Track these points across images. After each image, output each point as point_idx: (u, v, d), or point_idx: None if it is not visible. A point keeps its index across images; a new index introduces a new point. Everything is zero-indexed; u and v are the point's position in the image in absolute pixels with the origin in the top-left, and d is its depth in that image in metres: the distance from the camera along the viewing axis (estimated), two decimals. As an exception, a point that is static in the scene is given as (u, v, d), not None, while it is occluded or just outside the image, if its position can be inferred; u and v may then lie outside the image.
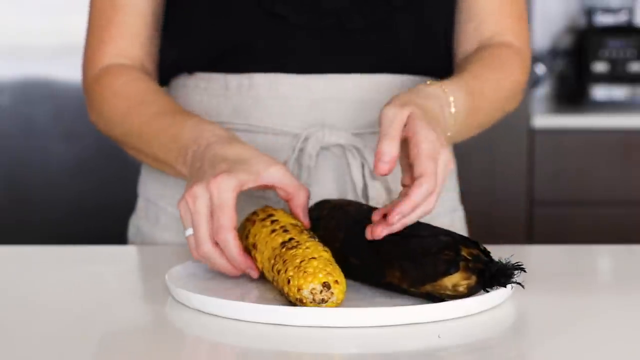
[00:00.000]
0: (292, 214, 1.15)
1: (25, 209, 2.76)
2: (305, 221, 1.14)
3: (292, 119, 1.31)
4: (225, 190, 1.09)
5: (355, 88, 1.31)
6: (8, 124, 2.73)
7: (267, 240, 1.08)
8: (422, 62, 1.35)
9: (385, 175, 1.06)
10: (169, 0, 1.36)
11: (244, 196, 1.24)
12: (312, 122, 1.31)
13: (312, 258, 1.01)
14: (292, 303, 1.01)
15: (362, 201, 1.31)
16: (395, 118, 1.08)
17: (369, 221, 1.08)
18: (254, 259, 1.11)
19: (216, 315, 1.02)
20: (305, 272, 1.00)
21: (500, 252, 1.03)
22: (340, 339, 0.95)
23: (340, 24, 1.30)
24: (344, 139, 1.31)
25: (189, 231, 1.11)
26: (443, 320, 0.99)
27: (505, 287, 1.01)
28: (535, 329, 1.02)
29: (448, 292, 1.01)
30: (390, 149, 1.06)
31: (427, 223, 1.08)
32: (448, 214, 1.42)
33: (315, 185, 1.31)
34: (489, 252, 1.02)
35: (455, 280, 1.00)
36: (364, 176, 1.31)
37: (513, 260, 1.01)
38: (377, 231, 1.05)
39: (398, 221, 1.04)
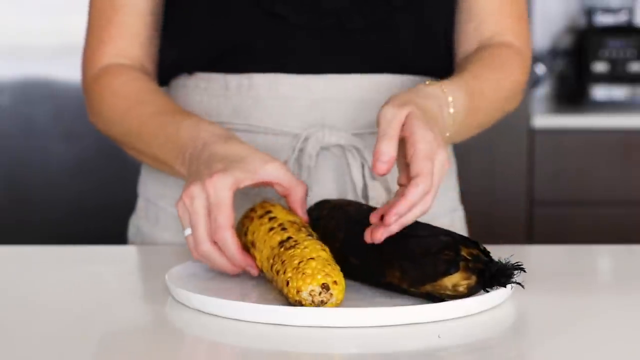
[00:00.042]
0: (290, 209, 1.14)
1: (25, 209, 2.76)
2: (304, 216, 1.14)
3: (292, 119, 1.31)
4: (221, 188, 1.09)
5: (355, 88, 1.31)
6: (8, 124, 2.73)
7: (265, 238, 1.08)
8: (422, 62, 1.34)
9: (384, 175, 1.06)
10: (168, 0, 1.36)
11: (241, 194, 1.23)
12: (312, 122, 1.31)
13: (311, 259, 1.01)
14: (292, 303, 1.01)
15: (362, 201, 1.31)
16: (394, 118, 1.08)
17: (368, 221, 1.08)
18: (253, 257, 1.11)
19: (216, 315, 1.02)
20: (303, 273, 1.00)
21: (500, 252, 1.03)
22: (340, 339, 0.95)
23: (340, 24, 1.30)
24: (344, 139, 1.31)
25: (188, 231, 1.11)
26: (443, 320, 0.99)
27: (505, 287, 1.01)
28: (535, 329, 1.02)
29: (448, 292, 1.01)
30: (389, 149, 1.06)
31: (426, 223, 1.08)
32: (448, 214, 1.42)
33: (315, 185, 1.31)
34: (489, 252, 1.02)
35: (455, 280, 1.00)
36: (364, 176, 1.31)
37: (513, 260, 1.01)
38: (377, 235, 1.05)
39: (395, 222, 1.04)
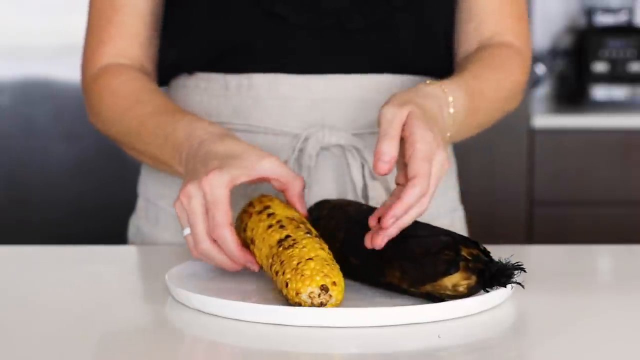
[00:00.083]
0: (288, 203, 1.14)
1: (25, 209, 2.76)
2: (302, 210, 1.14)
3: (292, 119, 1.31)
4: (217, 186, 1.09)
5: (355, 88, 1.31)
6: (8, 124, 2.73)
7: (264, 236, 1.08)
8: (422, 62, 1.34)
9: (385, 174, 1.06)
10: (168, 1, 1.36)
11: (237, 192, 1.23)
12: (312, 123, 1.31)
13: (309, 259, 1.01)
14: (292, 304, 1.01)
15: (362, 201, 1.31)
16: (395, 118, 1.08)
17: (368, 222, 1.08)
18: (252, 254, 1.11)
19: (216, 315, 1.01)
20: (302, 275, 1.00)
21: (500, 252, 1.03)
22: (340, 339, 0.95)
23: (340, 24, 1.30)
24: (344, 139, 1.31)
25: (187, 231, 1.11)
26: (443, 320, 0.99)
27: (505, 287, 1.01)
28: (535, 329, 1.02)
29: (448, 292, 1.01)
30: (390, 149, 1.06)
31: (426, 223, 1.08)
32: (448, 214, 1.42)
33: (315, 185, 1.31)
34: (489, 252, 1.02)
35: (455, 280, 1.00)
36: (363, 176, 1.31)
37: (513, 260, 1.01)
38: (377, 241, 1.05)
39: (392, 224, 1.04)
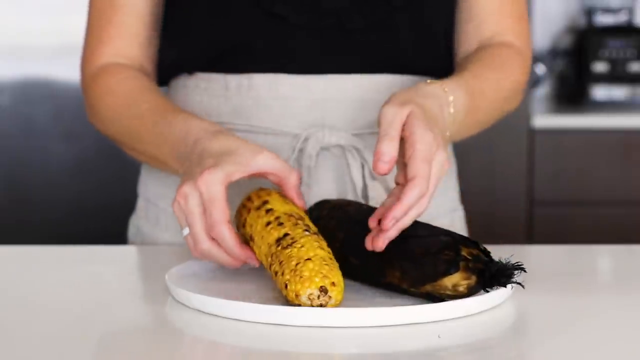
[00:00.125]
0: (285, 197, 1.14)
1: (25, 209, 2.76)
2: (300, 202, 1.13)
3: (292, 119, 1.31)
4: (213, 184, 1.09)
5: (355, 88, 1.31)
6: (8, 124, 2.73)
7: (263, 234, 1.08)
8: (422, 62, 1.34)
9: (385, 175, 1.06)
10: (168, 1, 1.36)
11: (232, 190, 1.23)
12: (312, 123, 1.31)
13: (307, 259, 1.01)
14: (290, 301, 1.01)
15: (362, 201, 1.31)
16: (395, 117, 1.08)
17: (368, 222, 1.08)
18: (252, 250, 1.10)
19: (216, 315, 1.01)
20: (301, 276, 0.99)
21: (500, 252, 1.03)
22: (340, 339, 0.95)
23: (340, 24, 1.30)
24: (344, 139, 1.31)
25: (186, 231, 1.11)
26: (443, 320, 0.99)
27: (505, 287, 1.01)
28: (535, 329, 1.02)
29: (448, 292, 1.01)
30: (390, 149, 1.06)
31: (426, 223, 1.08)
32: (448, 214, 1.42)
33: (315, 185, 1.31)
34: (489, 252, 1.02)
35: (455, 280, 1.00)
36: (363, 176, 1.31)
37: (513, 260, 1.01)
38: (378, 243, 1.05)
39: (392, 226, 1.04)
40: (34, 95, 2.72)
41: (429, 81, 1.19)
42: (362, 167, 1.31)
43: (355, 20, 1.30)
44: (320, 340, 0.95)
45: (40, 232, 2.71)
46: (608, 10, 3.19)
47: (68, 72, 2.62)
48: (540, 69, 3.19)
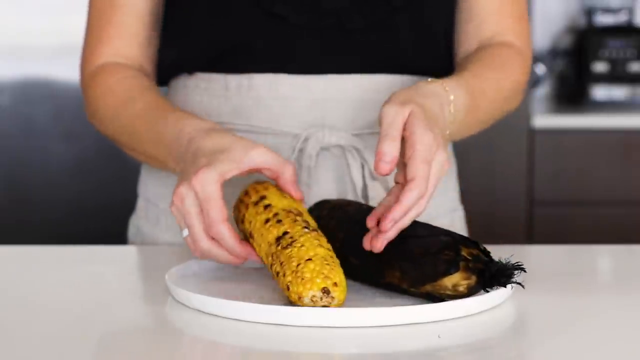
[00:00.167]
0: (282, 190, 1.14)
1: (25, 209, 2.76)
2: (297, 195, 1.13)
3: (292, 120, 1.31)
4: (208, 184, 1.09)
5: (355, 88, 1.31)
6: (8, 124, 2.73)
7: (262, 232, 1.08)
8: (422, 62, 1.34)
9: (386, 175, 1.06)
10: (168, 1, 1.36)
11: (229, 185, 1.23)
12: (312, 123, 1.31)
13: (308, 260, 1.01)
14: (292, 302, 1.01)
15: (362, 201, 1.31)
16: (396, 117, 1.08)
17: (369, 221, 1.08)
18: (253, 247, 1.10)
19: (216, 315, 1.01)
20: (302, 278, 0.99)
21: (500, 252, 1.03)
22: (340, 339, 0.95)
23: (340, 24, 1.30)
24: (344, 139, 1.31)
25: (185, 232, 1.11)
26: (443, 320, 0.99)
27: (505, 287, 1.01)
28: (535, 329, 1.02)
29: (448, 292, 1.01)
30: (391, 149, 1.06)
31: (426, 223, 1.08)
32: (448, 214, 1.42)
33: (315, 186, 1.31)
34: (489, 252, 1.02)
35: (455, 280, 1.00)
36: (363, 176, 1.31)
37: (513, 260, 1.01)
38: (377, 245, 1.05)
39: (391, 228, 1.04)
40: (34, 95, 2.72)
41: (430, 79, 1.19)
42: (362, 167, 1.31)
43: (355, 20, 1.30)
44: (320, 340, 0.95)
45: (40, 232, 2.71)
46: (608, 10, 3.19)
47: (68, 72, 2.62)
48: (540, 69, 3.19)
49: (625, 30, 3.12)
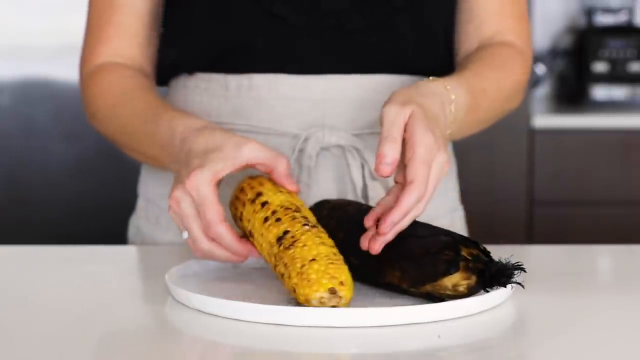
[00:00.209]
0: (277, 184, 1.13)
1: (25, 209, 2.76)
2: (292, 187, 1.12)
3: (292, 120, 1.31)
4: (202, 185, 1.08)
5: (355, 88, 1.31)
6: (8, 124, 2.73)
7: (262, 231, 1.07)
8: (422, 62, 1.34)
9: (387, 177, 1.06)
10: (168, 1, 1.36)
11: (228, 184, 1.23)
12: (312, 123, 1.31)
13: (312, 260, 1.01)
14: (292, 302, 1.01)
15: (362, 201, 1.31)
16: (397, 118, 1.08)
17: (368, 222, 1.08)
18: (253, 245, 1.10)
19: (216, 315, 1.01)
20: (308, 280, 0.99)
21: (500, 252, 1.03)
22: (340, 339, 0.95)
23: (340, 24, 1.30)
24: (344, 139, 1.31)
25: (185, 234, 1.11)
26: (443, 320, 0.99)
27: (505, 287, 1.01)
28: (535, 329, 1.02)
29: (448, 292, 1.01)
30: (392, 151, 1.06)
31: (426, 223, 1.08)
32: (448, 214, 1.42)
33: (315, 186, 1.31)
34: (489, 252, 1.02)
35: (455, 280, 1.00)
36: (363, 177, 1.31)
37: (513, 260, 1.01)
38: (375, 246, 1.04)
39: (390, 230, 1.04)
40: (34, 95, 2.72)
41: (431, 78, 1.19)
42: (362, 167, 1.31)
43: (355, 21, 1.30)
44: (320, 340, 0.95)
45: (40, 232, 2.71)
46: (608, 10, 3.19)
47: (68, 72, 2.62)
48: (540, 69, 3.19)
49: (625, 30, 3.12)
